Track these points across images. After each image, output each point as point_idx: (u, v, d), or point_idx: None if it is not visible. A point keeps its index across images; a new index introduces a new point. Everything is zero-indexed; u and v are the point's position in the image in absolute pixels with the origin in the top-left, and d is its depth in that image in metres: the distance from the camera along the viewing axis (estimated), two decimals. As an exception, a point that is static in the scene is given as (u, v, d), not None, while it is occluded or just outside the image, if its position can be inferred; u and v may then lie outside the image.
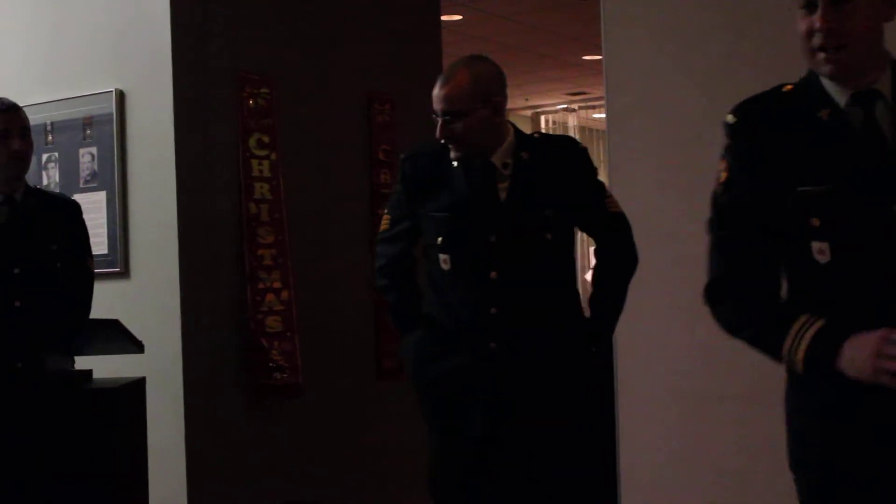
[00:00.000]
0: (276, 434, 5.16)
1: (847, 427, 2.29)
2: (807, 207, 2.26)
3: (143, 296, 4.91)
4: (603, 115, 12.78)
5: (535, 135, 3.56)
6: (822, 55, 2.27)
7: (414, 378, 3.54)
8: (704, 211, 4.26)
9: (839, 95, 2.31)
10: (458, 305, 3.41)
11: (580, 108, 14.29)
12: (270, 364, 5.04)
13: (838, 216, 2.24)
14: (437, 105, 3.37)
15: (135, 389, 3.90)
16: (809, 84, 2.37)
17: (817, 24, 2.26)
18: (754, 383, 4.23)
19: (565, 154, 3.56)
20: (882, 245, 2.23)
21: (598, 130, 14.09)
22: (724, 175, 2.45)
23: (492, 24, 10.10)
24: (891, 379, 2.12)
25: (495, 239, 3.36)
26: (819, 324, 2.23)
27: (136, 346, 3.78)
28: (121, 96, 5.01)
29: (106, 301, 4.49)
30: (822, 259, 2.26)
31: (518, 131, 3.50)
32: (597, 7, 4.63)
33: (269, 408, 5.13)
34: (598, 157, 13.56)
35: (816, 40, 2.27)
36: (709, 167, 4.27)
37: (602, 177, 4.63)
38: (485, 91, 3.37)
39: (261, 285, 5.07)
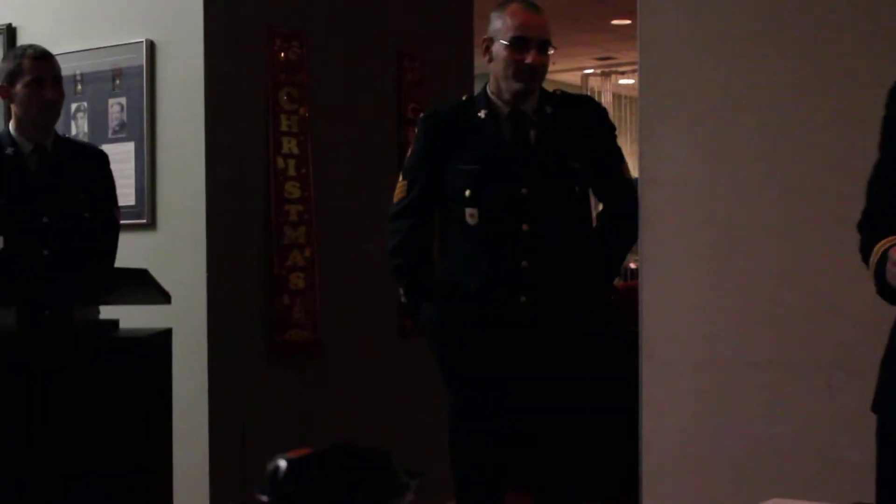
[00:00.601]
0: (297, 389, 5.17)
1: None
2: None
3: (170, 248, 4.92)
4: (631, 81, 12.70)
5: (557, 92, 3.54)
6: None
7: (438, 344, 3.51)
8: (736, 175, 4.26)
9: None
10: (484, 261, 3.37)
11: (602, 73, 14.19)
12: (292, 320, 5.05)
13: None
14: (530, 32, 3.34)
15: (162, 340, 3.91)
16: None
17: None
18: (782, 349, 4.21)
19: (587, 111, 3.56)
20: None
21: (626, 97, 14.00)
22: (880, 137, 2.81)
23: (522, -16, 10.03)
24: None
25: (527, 191, 3.34)
26: (891, 240, 2.53)
27: (163, 297, 3.78)
28: (151, 47, 5.00)
29: (132, 252, 4.50)
30: None
31: (541, 86, 3.49)
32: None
33: (291, 363, 5.14)
34: (625, 123, 13.50)
35: None
36: (741, 132, 4.26)
37: (630, 141, 4.61)
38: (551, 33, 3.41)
39: (286, 241, 5.07)
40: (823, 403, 4.14)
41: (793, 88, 4.22)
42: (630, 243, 3.61)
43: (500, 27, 3.40)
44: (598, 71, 14.32)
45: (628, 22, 11.15)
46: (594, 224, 3.64)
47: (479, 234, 3.39)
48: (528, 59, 3.34)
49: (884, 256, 2.53)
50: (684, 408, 4.36)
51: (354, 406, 5.42)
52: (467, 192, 3.38)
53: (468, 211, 3.39)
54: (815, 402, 4.16)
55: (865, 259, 2.74)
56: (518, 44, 3.34)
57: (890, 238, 2.57)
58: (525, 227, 3.36)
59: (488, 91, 3.46)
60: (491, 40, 3.42)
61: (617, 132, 3.73)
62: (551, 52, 3.39)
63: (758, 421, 4.24)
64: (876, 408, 2.79)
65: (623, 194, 3.58)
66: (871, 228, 2.69)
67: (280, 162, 5.07)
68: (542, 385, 3.41)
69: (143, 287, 3.74)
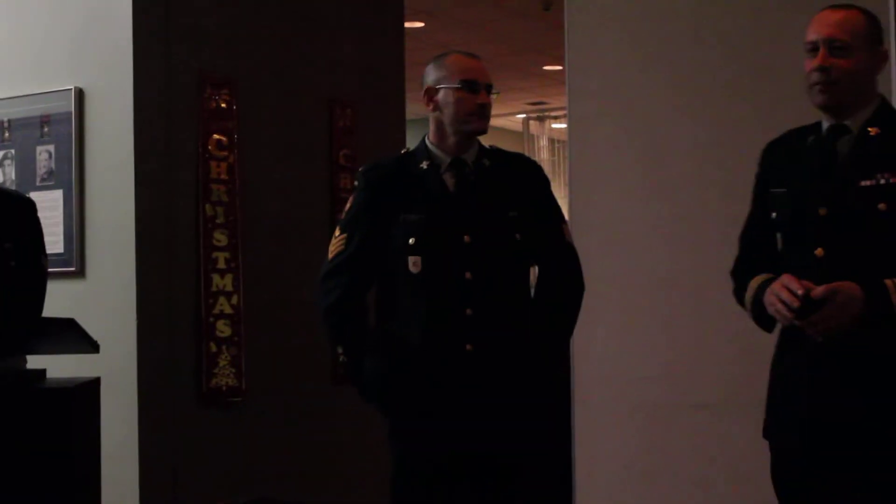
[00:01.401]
0: (227, 436, 5.12)
1: (794, 395, 2.87)
2: (771, 204, 2.93)
3: (99, 296, 4.87)
4: (563, 126, 12.83)
5: (492, 147, 3.56)
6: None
7: (380, 401, 3.47)
8: (664, 219, 4.31)
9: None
10: (428, 310, 3.36)
11: (538, 117, 14.32)
12: (218, 368, 5.02)
13: (784, 213, 2.88)
14: (477, 75, 3.42)
15: (89, 389, 3.85)
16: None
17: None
18: (712, 393, 4.25)
19: (523, 169, 3.56)
20: (809, 238, 2.80)
21: (559, 141, 14.13)
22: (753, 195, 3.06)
23: (454, 31, 10.12)
24: (775, 312, 2.77)
25: (469, 239, 3.34)
26: (766, 276, 2.86)
27: (91, 346, 3.73)
28: (80, 94, 4.96)
29: (61, 300, 4.44)
30: (780, 246, 2.90)
31: (478, 140, 3.50)
32: (559, 17, 4.65)
33: (220, 410, 5.09)
34: (559, 167, 13.62)
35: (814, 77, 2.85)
36: (669, 176, 4.31)
37: (563, 184, 4.63)
38: None
39: (213, 288, 5.04)
40: (754, 445, 4.18)
41: (717, 135, 4.28)
42: (579, 305, 3.56)
43: (445, 74, 3.42)
44: (534, 115, 14.45)
45: (559, 68, 11.27)
46: (532, 292, 3.57)
47: (423, 282, 3.37)
48: (479, 100, 3.37)
49: (761, 289, 2.84)
50: (617, 451, 4.38)
51: (285, 453, 5.37)
52: (411, 241, 3.36)
53: (411, 259, 3.37)
54: (747, 443, 4.19)
55: (740, 298, 3.02)
56: (469, 86, 3.37)
57: (764, 275, 2.88)
58: (468, 275, 3.35)
59: (427, 143, 3.47)
60: (435, 90, 3.43)
61: (552, 184, 3.71)
62: (494, 96, 3.43)
63: (691, 463, 4.27)
64: (766, 434, 3.01)
65: (569, 259, 3.54)
66: (742, 273, 3.01)
67: (209, 209, 5.05)
68: (493, 434, 3.39)
69: (71, 336, 3.69)
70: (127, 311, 4.78)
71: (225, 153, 5.14)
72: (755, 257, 2.98)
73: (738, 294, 3.02)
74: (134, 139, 4.82)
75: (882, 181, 2.75)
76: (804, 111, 4.10)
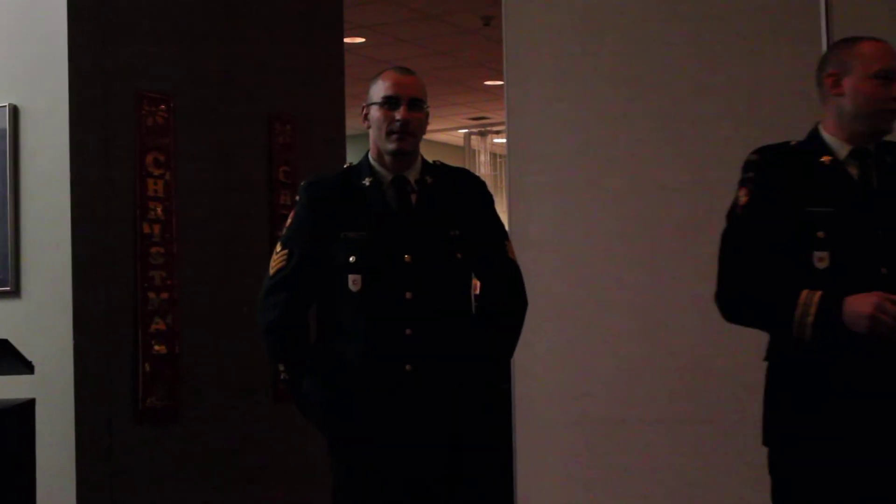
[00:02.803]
0: (164, 454, 5.08)
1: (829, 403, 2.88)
2: (813, 224, 2.93)
3: (34, 316, 4.81)
4: (504, 140, 12.90)
5: (437, 163, 3.54)
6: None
7: (320, 420, 3.45)
8: (604, 234, 4.33)
9: (840, 150, 3.00)
10: (367, 329, 3.34)
11: (480, 132, 14.38)
12: (152, 387, 4.98)
13: (838, 232, 2.92)
14: (399, 90, 3.34)
15: (24, 411, 3.81)
16: (812, 139, 3.06)
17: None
18: (652, 407, 4.27)
19: (466, 185, 3.55)
20: (868, 257, 2.91)
21: (501, 156, 14.18)
22: (744, 199, 3.03)
23: (395, 47, 10.14)
24: (888, 332, 2.77)
25: (410, 258, 3.32)
26: (820, 292, 2.84)
27: (26, 367, 3.69)
28: (15, 111, 4.91)
29: (-5, 321, 4.40)
30: (821, 265, 2.91)
31: (422, 156, 3.49)
32: (499, 33, 4.66)
33: (159, 430, 5.05)
34: (500, 182, 13.67)
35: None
36: (608, 191, 4.34)
37: (503, 199, 4.64)
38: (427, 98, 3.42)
39: (149, 307, 5.00)
40: (695, 459, 4.21)
41: (655, 151, 4.32)
42: (517, 332, 3.55)
43: (372, 92, 3.42)
44: (476, 130, 14.50)
45: (500, 83, 11.32)
46: (473, 308, 3.56)
47: (362, 301, 3.34)
48: (399, 116, 3.35)
49: (825, 304, 2.84)
50: (559, 466, 4.38)
51: (225, 471, 5.33)
52: (352, 259, 3.33)
53: (351, 277, 3.34)
54: (687, 458, 4.22)
55: (765, 314, 2.97)
56: (389, 102, 3.35)
57: (812, 291, 2.86)
58: (409, 294, 3.33)
59: (370, 159, 3.46)
60: (368, 107, 3.44)
61: (496, 199, 3.71)
62: (426, 109, 3.40)
63: (632, 478, 4.28)
64: (766, 441, 3.02)
65: (512, 275, 3.53)
66: (759, 289, 2.98)
67: (146, 227, 5.01)
68: (432, 454, 3.38)
69: (5, 357, 3.65)
70: (63, 331, 4.73)
71: (162, 170, 5.10)
72: (771, 271, 2.97)
73: (754, 309, 3.00)
74: (69, 156, 4.77)
75: None
76: (735, 121, 4.16)
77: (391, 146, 3.35)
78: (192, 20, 5.40)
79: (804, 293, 2.87)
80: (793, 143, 3.07)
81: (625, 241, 4.34)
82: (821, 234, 2.93)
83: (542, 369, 4.41)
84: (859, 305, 2.81)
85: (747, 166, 3.07)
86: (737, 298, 3.02)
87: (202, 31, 5.44)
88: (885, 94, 2.95)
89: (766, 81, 4.17)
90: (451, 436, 3.36)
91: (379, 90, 3.38)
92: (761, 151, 3.08)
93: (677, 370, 4.23)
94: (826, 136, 3.03)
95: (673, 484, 4.23)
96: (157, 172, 5.08)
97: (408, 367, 3.30)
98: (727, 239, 3.06)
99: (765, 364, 3.04)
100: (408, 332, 3.30)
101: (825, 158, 2.99)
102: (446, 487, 3.38)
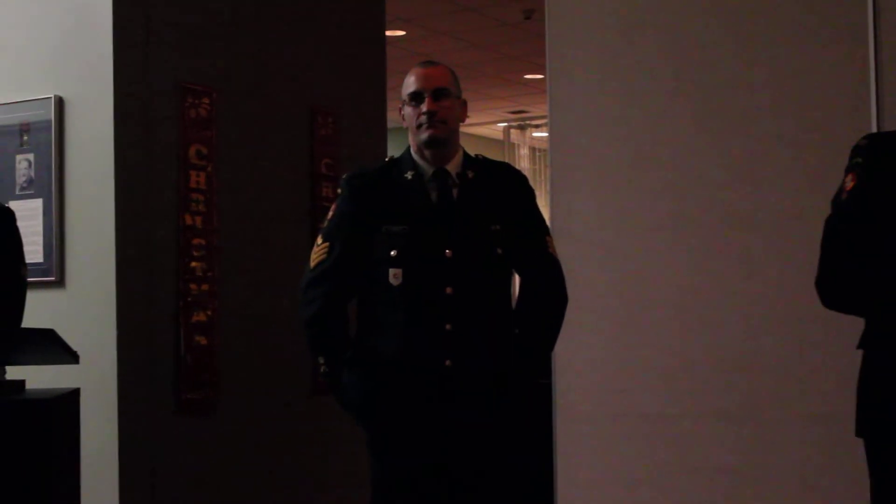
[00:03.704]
0: (205, 446, 5.11)
1: None
2: None
3: (79, 306, 4.84)
4: (543, 134, 12.88)
5: (479, 157, 3.54)
6: None
7: (359, 413, 3.45)
8: (646, 228, 4.31)
9: None
10: (407, 323, 3.34)
11: (519, 126, 14.34)
12: (193, 379, 5.01)
13: None
14: (423, 83, 3.37)
15: (69, 400, 3.84)
16: None
17: None
18: (692, 402, 4.26)
19: (507, 178, 3.55)
20: None
21: (540, 150, 14.14)
22: (850, 184, 2.94)
23: (435, 40, 10.14)
24: None
25: (451, 253, 3.32)
26: None
27: (71, 357, 3.71)
28: (60, 103, 4.95)
29: (40, 310, 4.43)
30: None
31: (464, 150, 3.50)
32: (540, 26, 4.65)
33: (200, 421, 5.08)
34: (540, 176, 13.64)
35: None
36: (650, 185, 4.32)
37: (544, 193, 4.63)
38: (458, 84, 3.42)
39: (191, 298, 5.03)
40: (736, 456, 4.19)
41: (698, 146, 4.30)
42: (563, 316, 3.54)
43: (403, 91, 3.45)
44: (515, 124, 14.46)
45: (540, 77, 11.29)
46: (514, 302, 3.55)
47: (402, 295, 3.34)
48: (424, 108, 3.36)
49: None
50: (598, 461, 4.38)
51: (264, 463, 5.36)
52: (393, 252, 3.33)
53: (392, 272, 3.34)
54: (729, 454, 4.20)
55: (870, 297, 2.90)
56: (415, 98, 3.37)
57: None
58: (449, 289, 3.33)
59: (412, 153, 3.46)
60: (402, 105, 3.46)
61: (536, 194, 3.70)
62: (456, 96, 3.40)
63: (671, 472, 4.27)
64: (860, 433, 2.93)
65: (552, 270, 3.53)
66: (859, 272, 2.90)
67: (188, 219, 5.04)
68: (471, 450, 3.38)
69: (51, 347, 3.67)
70: (107, 321, 4.76)
71: (204, 163, 5.13)
72: (881, 258, 2.87)
73: (863, 294, 2.92)
74: (114, 148, 4.80)
75: None
76: (775, 116, 4.13)
77: (424, 136, 3.36)
78: (235, 13, 5.42)
79: None
80: None
81: (667, 235, 4.33)
82: None
83: (583, 364, 4.41)
84: None
85: (855, 151, 2.99)
86: (838, 284, 2.94)
87: (245, 24, 5.46)
88: None
89: (810, 77, 4.14)
90: (490, 432, 3.37)
91: (406, 88, 3.41)
92: (871, 137, 3.02)
93: (718, 366, 4.22)
94: None
95: (715, 480, 4.21)
96: (199, 164, 5.11)
97: (447, 362, 3.30)
98: (830, 225, 2.97)
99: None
100: (447, 327, 3.30)
101: None
102: (485, 483, 3.39)
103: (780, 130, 4.17)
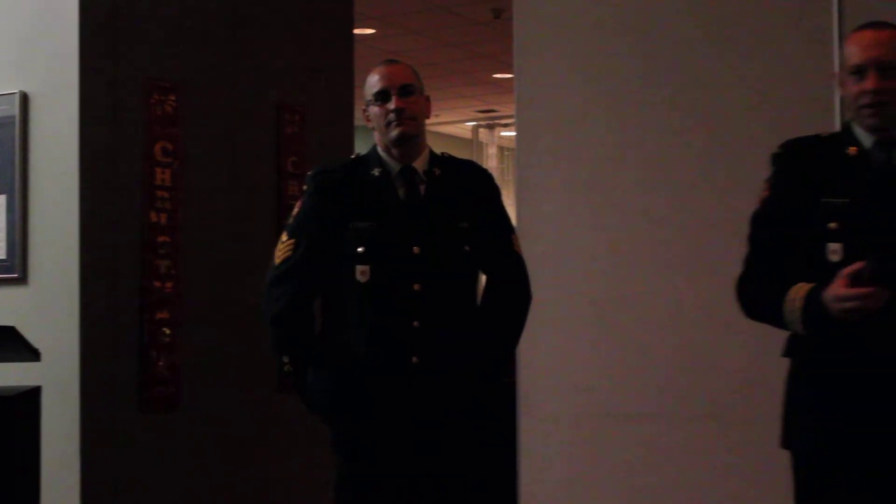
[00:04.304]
0: (168, 444, 5.08)
1: (842, 405, 2.79)
2: (827, 215, 2.83)
3: (42, 303, 4.81)
4: (512, 133, 12.91)
5: (445, 155, 3.54)
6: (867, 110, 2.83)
7: (325, 412, 3.44)
8: (611, 229, 4.32)
9: (866, 140, 2.88)
10: (375, 320, 3.33)
11: (488, 125, 14.38)
12: (156, 376, 4.99)
13: (852, 224, 2.81)
14: (387, 82, 3.35)
15: (30, 398, 3.81)
16: (844, 132, 2.96)
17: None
18: (657, 402, 4.27)
19: (474, 177, 3.55)
20: (886, 250, 2.73)
21: (508, 149, 14.17)
22: (764, 194, 3.00)
23: (404, 38, 10.13)
24: (848, 315, 2.67)
25: (419, 250, 3.32)
26: (809, 285, 2.77)
27: (32, 354, 3.69)
28: (24, 99, 4.91)
29: (2, 308, 4.40)
30: (835, 258, 2.80)
31: (430, 148, 3.49)
32: (510, 26, 4.65)
33: (163, 419, 5.05)
34: (507, 175, 13.65)
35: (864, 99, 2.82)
36: (616, 185, 4.33)
37: (510, 192, 4.63)
38: (421, 81, 3.41)
39: (155, 296, 5.01)
40: (699, 455, 4.20)
41: (666, 146, 4.31)
42: (526, 314, 3.55)
43: (366, 91, 3.44)
44: (484, 123, 14.49)
45: (510, 76, 11.30)
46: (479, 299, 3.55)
47: (370, 292, 3.33)
48: (392, 105, 3.35)
49: (810, 299, 2.76)
50: (563, 460, 4.38)
51: (228, 461, 5.33)
52: (360, 249, 3.32)
53: (359, 268, 3.33)
54: (691, 454, 4.21)
55: (769, 310, 2.90)
56: (381, 96, 3.36)
57: (800, 285, 2.80)
58: (417, 286, 3.32)
59: (379, 150, 3.46)
60: (366, 108, 3.45)
61: (504, 193, 3.70)
62: (421, 92, 3.40)
63: (635, 472, 4.28)
64: (785, 444, 2.93)
65: (517, 267, 3.53)
66: (768, 285, 2.90)
67: (153, 216, 5.01)
68: (437, 447, 3.37)
69: (12, 344, 3.65)
70: (70, 318, 4.73)
71: (170, 159, 5.10)
72: (783, 268, 2.89)
73: (760, 307, 2.94)
74: (79, 144, 4.77)
75: None
76: (745, 117, 4.15)
77: (394, 133, 3.35)
78: (203, 9, 5.39)
79: (794, 288, 2.81)
80: (824, 134, 3.00)
81: (632, 236, 4.33)
82: (833, 225, 2.83)
83: (547, 363, 4.41)
84: (828, 302, 2.72)
85: (771, 160, 3.01)
86: (748, 295, 2.96)
87: (212, 21, 5.43)
88: (856, 90, 2.85)
89: (778, 78, 4.16)
90: (456, 429, 3.36)
91: (371, 88, 3.40)
92: (786, 144, 3.01)
93: (682, 366, 4.23)
94: (855, 126, 2.92)
95: (677, 480, 4.23)
96: (165, 161, 5.09)
97: (415, 359, 3.29)
98: (749, 235, 3.01)
99: (782, 361, 2.97)
100: (415, 324, 3.30)
101: (851, 149, 2.88)
102: (450, 481, 3.38)
103: (749, 132, 4.18)
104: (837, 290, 2.69)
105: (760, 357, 4.11)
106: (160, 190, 5.05)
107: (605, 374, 4.33)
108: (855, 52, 2.85)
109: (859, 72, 2.83)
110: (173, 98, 5.15)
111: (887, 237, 2.78)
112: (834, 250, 2.82)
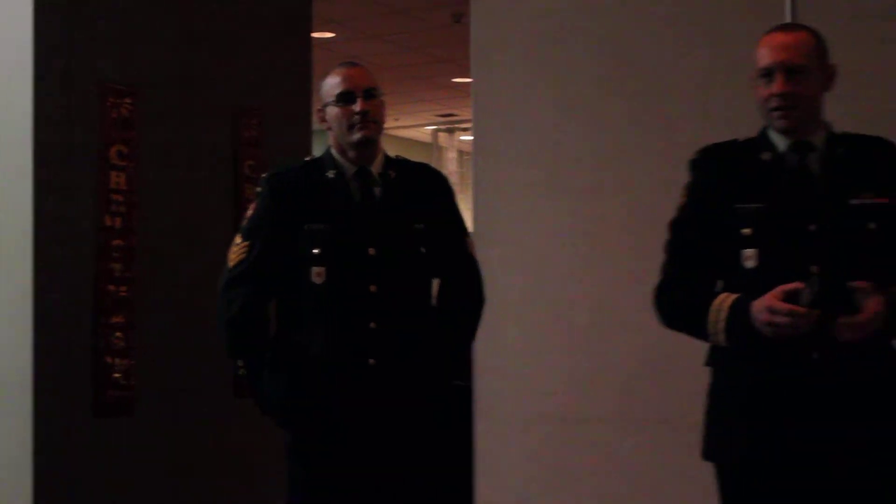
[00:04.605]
0: (124, 449, 5.05)
1: (764, 416, 2.75)
2: (741, 221, 2.79)
3: (-5, 307, 4.78)
4: (471, 138, 12.93)
5: (398, 157, 3.54)
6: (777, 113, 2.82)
7: (280, 415, 3.42)
8: (568, 234, 4.33)
9: (780, 144, 2.86)
10: (331, 322, 3.32)
11: (448, 129, 14.40)
12: (111, 380, 4.96)
13: (766, 229, 2.77)
14: (352, 83, 3.37)
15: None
16: (760, 136, 2.92)
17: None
18: (612, 407, 4.28)
19: (429, 179, 3.55)
20: (798, 253, 2.74)
21: (467, 153, 14.19)
22: (681, 201, 2.96)
23: (364, 42, 10.12)
24: (772, 332, 2.64)
25: (374, 251, 3.32)
26: (735, 296, 2.72)
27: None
28: (-22, 102, 4.88)
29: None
30: (750, 264, 2.77)
31: (384, 151, 3.49)
32: (468, 30, 4.66)
33: (118, 423, 5.02)
34: (468, 179, 13.67)
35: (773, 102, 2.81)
36: (574, 190, 4.34)
37: (468, 197, 4.64)
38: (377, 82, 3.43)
39: (109, 300, 4.98)
40: (653, 459, 4.22)
41: (621, 151, 4.33)
42: (480, 318, 3.55)
43: (325, 92, 3.42)
44: (444, 127, 14.50)
45: (469, 80, 11.31)
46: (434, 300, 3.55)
47: (326, 294, 3.32)
48: (357, 108, 3.35)
49: (735, 310, 2.72)
50: (519, 464, 4.39)
51: (184, 465, 5.31)
52: (316, 251, 3.31)
53: (315, 270, 3.32)
54: (645, 457, 4.23)
55: (688, 320, 2.88)
56: (345, 97, 3.35)
57: (725, 295, 2.76)
58: (373, 287, 3.32)
59: (333, 152, 3.45)
60: (323, 108, 3.43)
61: (457, 195, 3.71)
62: (382, 96, 3.41)
63: (591, 476, 4.29)
64: (707, 456, 2.91)
65: (471, 270, 3.54)
66: (684, 293, 2.88)
67: (108, 220, 4.98)
68: (393, 450, 3.37)
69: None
70: (24, 322, 4.70)
71: (125, 163, 5.08)
72: (701, 275, 2.86)
73: (679, 316, 2.91)
74: (33, 147, 4.74)
75: (868, 200, 2.77)
76: (702, 122, 4.16)
77: (357, 136, 3.35)
78: (160, 13, 5.37)
79: (719, 298, 2.77)
80: (741, 140, 2.96)
81: (588, 240, 4.35)
82: (747, 230, 2.79)
83: (504, 367, 4.42)
84: (756, 312, 2.67)
85: (689, 166, 2.99)
86: (666, 304, 2.93)
87: (169, 24, 5.41)
88: (765, 94, 2.85)
89: (734, 84, 4.18)
90: (412, 431, 3.36)
91: (332, 89, 3.38)
92: (703, 150, 2.99)
93: (638, 370, 4.24)
94: (770, 131, 2.90)
95: (631, 483, 4.24)
96: (120, 164, 5.06)
97: (371, 361, 3.29)
98: (667, 242, 3.00)
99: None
100: (372, 325, 3.30)
101: (765, 154, 2.86)
102: (406, 483, 3.38)
103: (705, 136, 4.20)
104: (771, 301, 2.64)
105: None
106: (115, 193, 5.02)
107: (562, 378, 4.34)
108: (764, 55, 2.85)
109: (768, 74, 2.83)
110: (129, 101, 5.12)
111: (801, 242, 2.76)
112: (749, 256, 2.78)
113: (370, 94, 3.37)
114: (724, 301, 2.75)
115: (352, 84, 3.37)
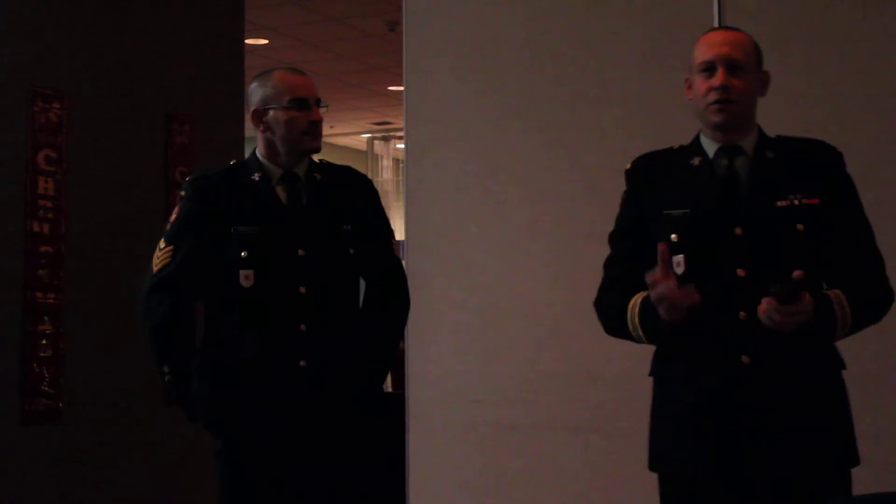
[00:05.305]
0: (49, 457, 5.00)
1: (699, 426, 2.77)
2: (669, 227, 2.82)
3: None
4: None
5: (322, 161, 3.53)
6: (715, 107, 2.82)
7: (208, 421, 3.39)
8: (499, 243, 4.35)
9: (710, 149, 2.88)
10: (260, 325, 3.30)
11: (383, 137, 14.39)
12: (38, 388, 4.91)
13: (692, 234, 2.80)
14: (306, 91, 3.38)
15: None
16: (692, 142, 2.94)
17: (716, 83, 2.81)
18: (542, 414, 4.30)
19: (353, 181, 3.56)
20: (725, 257, 2.77)
21: (401, 161, 14.19)
22: (619, 210, 2.99)
23: (298, 50, 10.09)
24: (665, 313, 2.68)
25: (303, 252, 3.31)
26: (645, 293, 2.76)
27: None
28: None
29: None
30: (679, 270, 2.78)
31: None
32: (402, 39, 4.66)
33: (47, 431, 4.96)
34: (403, 188, 13.65)
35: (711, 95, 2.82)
36: (502, 198, 4.36)
37: (399, 205, 4.63)
38: None
39: (36, 307, 4.93)
40: (585, 467, 4.24)
41: (552, 159, 4.35)
42: (401, 329, 3.56)
43: (271, 94, 3.37)
44: (379, 135, 14.48)
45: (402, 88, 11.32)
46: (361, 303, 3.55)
47: (255, 296, 3.31)
48: (311, 117, 3.34)
49: (645, 305, 2.77)
50: (451, 471, 4.39)
51: (109, 474, 5.25)
52: (244, 254, 3.29)
53: (243, 273, 3.29)
54: (578, 465, 4.25)
55: (616, 324, 2.91)
56: (299, 104, 3.33)
57: (639, 293, 2.81)
58: (303, 289, 3.31)
59: (259, 155, 3.42)
60: (263, 110, 3.38)
61: (393, 204, 3.72)
62: (324, 109, 3.41)
63: (521, 484, 4.30)
64: (652, 466, 2.91)
65: (396, 273, 3.55)
66: (617, 300, 2.90)
67: (35, 225, 4.93)
68: (324, 455, 3.35)
69: None
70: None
71: (54, 168, 5.03)
72: (633, 280, 2.84)
73: (613, 320, 2.92)
74: (-40, 152, 4.69)
75: (796, 202, 2.78)
76: (633, 130, 4.20)
77: (311, 144, 3.35)
78: (90, 17, 5.32)
79: (633, 298, 2.82)
80: (675, 147, 2.98)
81: (520, 248, 4.36)
82: (674, 236, 2.81)
83: (436, 374, 4.42)
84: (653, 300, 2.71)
85: (625, 176, 3.01)
86: (604, 312, 2.97)
87: (100, 29, 5.37)
88: (704, 88, 2.84)
89: (660, 94, 4.22)
90: (342, 434, 3.35)
91: (281, 92, 3.35)
92: (636, 160, 3.01)
93: (570, 377, 4.26)
94: (702, 136, 2.92)
95: (563, 490, 4.26)
96: (48, 170, 5.00)
97: (302, 363, 3.27)
98: (607, 258, 3.02)
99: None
100: (302, 327, 3.28)
101: (696, 159, 2.88)
102: (337, 487, 3.37)
103: (633, 145, 4.23)
104: (660, 289, 2.67)
105: (643, 369, 4.16)
106: (43, 199, 4.97)
107: (493, 385, 4.35)
108: (704, 51, 2.86)
109: (708, 69, 2.83)
110: (58, 106, 5.07)
111: (728, 246, 2.77)
112: (677, 262, 2.79)
113: (320, 102, 3.39)
114: (636, 300, 2.81)
115: (306, 92, 3.37)
